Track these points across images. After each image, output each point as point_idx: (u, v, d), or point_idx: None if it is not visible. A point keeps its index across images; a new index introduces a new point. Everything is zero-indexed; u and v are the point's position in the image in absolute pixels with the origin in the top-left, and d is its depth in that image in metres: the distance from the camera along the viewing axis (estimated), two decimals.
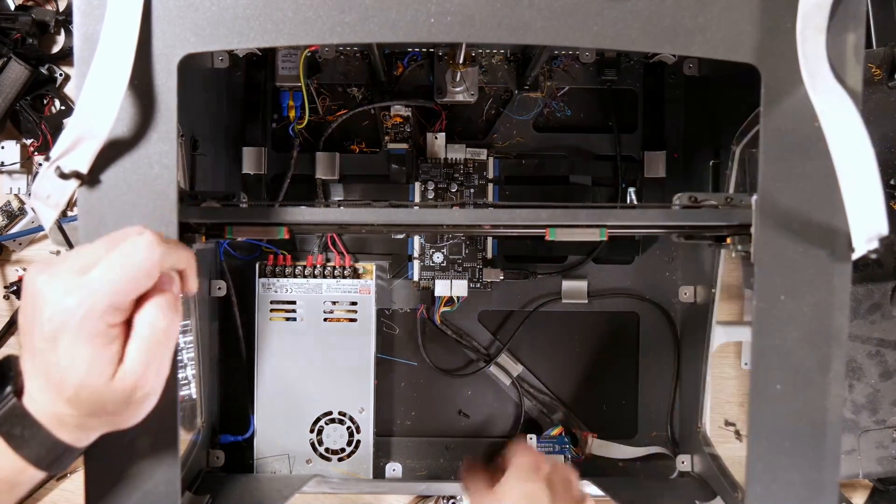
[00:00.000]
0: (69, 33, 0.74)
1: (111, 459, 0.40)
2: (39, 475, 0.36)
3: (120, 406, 0.36)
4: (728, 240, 0.49)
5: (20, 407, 0.35)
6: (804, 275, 0.41)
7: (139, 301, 0.36)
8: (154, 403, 0.37)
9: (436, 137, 0.69)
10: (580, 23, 0.40)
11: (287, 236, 0.49)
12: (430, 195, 0.69)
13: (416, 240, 0.70)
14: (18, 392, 0.36)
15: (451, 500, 0.73)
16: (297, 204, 0.47)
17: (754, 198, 0.41)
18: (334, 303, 0.68)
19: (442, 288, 0.69)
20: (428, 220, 0.48)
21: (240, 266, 0.70)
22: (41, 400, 0.35)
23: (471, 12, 0.40)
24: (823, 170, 0.40)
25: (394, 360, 0.72)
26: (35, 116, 0.73)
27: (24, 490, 0.37)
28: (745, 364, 0.74)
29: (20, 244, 0.75)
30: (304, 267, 0.68)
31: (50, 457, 0.36)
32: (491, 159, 0.70)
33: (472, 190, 0.70)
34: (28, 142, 0.74)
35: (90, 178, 0.40)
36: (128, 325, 0.35)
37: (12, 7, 0.73)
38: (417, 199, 0.69)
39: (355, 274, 0.68)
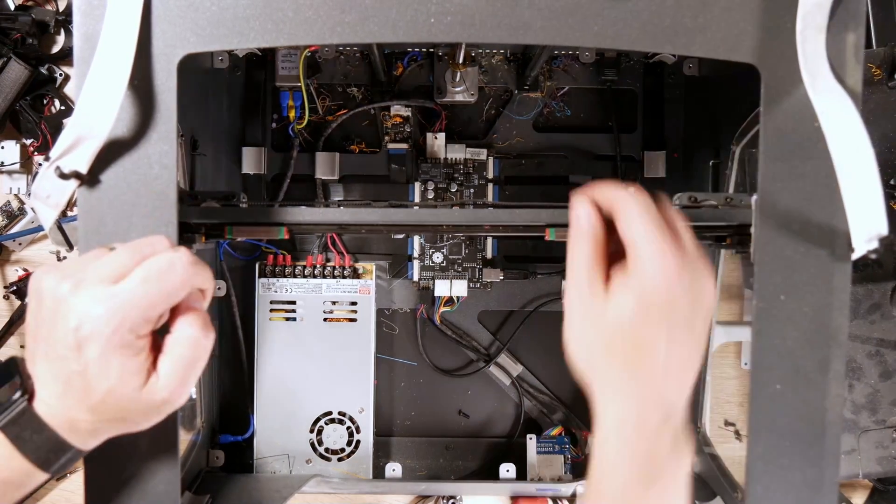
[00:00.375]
0: (69, 33, 0.74)
1: (111, 459, 0.40)
2: (44, 477, 0.36)
3: (143, 414, 0.36)
4: (728, 240, 0.49)
5: (31, 411, 0.35)
6: (804, 275, 0.41)
7: (167, 315, 0.36)
8: (172, 411, 0.37)
9: (436, 137, 0.69)
10: (580, 23, 0.40)
11: (287, 236, 0.49)
12: (430, 195, 0.69)
13: (416, 240, 0.70)
14: (29, 396, 0.36)
15: (451, 501, 0.73)
16: (297, 204, 0.48)
17: (754, 198, 0.41)
18: (334, 303, 0.68)
19: (442, 288, 0.69)
20: (428, 220, 0.48)
21: (240, 266, 0.70)
22: (55, 405, 0.35)
23: (471, 12, 0.40)
24: (823, 170, 0.40)
25: (394, 360, 0.72)
26: (35, 116, 0.73)
27: (28, 490, 0.37)
28: (745, 364, 0.74)
29: (20, 244, 0.75)
30: (304, 267, 0.68)
31: (57, 460, 0.36)
32: (491, 159, 0.70)
33: (472, 190, 0.70)
34: (28, 142, 0.74)
35: (90, 178, 0.40)
36: (153, 335, 0.36)
37: (12, 7, 0.73)
38: (417, 199, 0.69)
39: (355, 274, 0.68)
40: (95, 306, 0.33)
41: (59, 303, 0.34)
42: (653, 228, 0.35)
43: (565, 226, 0.48)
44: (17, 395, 0.35)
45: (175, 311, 0.36)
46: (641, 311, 0.34)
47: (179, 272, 0.35)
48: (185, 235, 0.46)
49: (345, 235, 0.70)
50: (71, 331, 0.33)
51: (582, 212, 0.37)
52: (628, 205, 0.36)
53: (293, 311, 0.68)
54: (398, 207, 0.50)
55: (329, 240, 0.70)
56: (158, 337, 0.36)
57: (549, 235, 0.49)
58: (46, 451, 0.35)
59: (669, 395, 0.35)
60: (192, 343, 0.36)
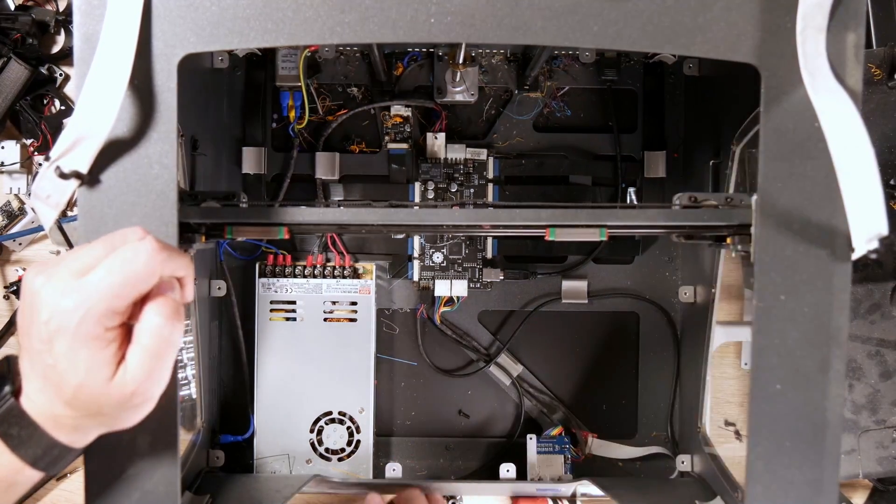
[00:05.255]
0: (69, 33, 0.74)
1: (111, 459, 0.40)
2: (37, 475, 0.36)
3: (117, 409, 0.36)
4: (728, 240, 0.49)
5: (17, 407, 0.35)
6: (804, 275, 0.41)
7: (140, 305, 0.36)
8: (152, 408, 0.37)
9: (436, 137, 0.69)
10: (580, 23, 0.40)
11: (287, 236, 0.49)
12: (430, 195, 0.69)
13: (416, 240, 0.70)
14: (16, 392, 0.36)
15: (451, 501, 0.73)
16: (296, 204, 0.47)
17: (754, 198, 0.41)
18: (334, 303, 0.68)
19: (442, 288, 0.69)
20: (428, 220, 0.48)
21: (240, 266, 0.70)
22: (38, 400, 0.35)
23: (471, 12, 0.40)
24: (823, 170, 0.40)
25: (394, 360, 0.72)
26: (35, 116, 0.73)
27: (23, 490, 0.37)
28: (745, 364, 0.74)
29: (20, 244, 0.75)
30: (304, 267, 0.68)
31: (47, 457, 0.36)
32: (491, 159, 0.70)
33: (472, 190, 0.70)
34: (28, 142, 0.74)
35: (90, 178, 0.40)
36: (126, 327, 0.35)
37: (12, 7, 0.73)
38: (417, 199, 0.69)
39: (355, 274, 0.68)
40: (63, 299, 0.33)
41: (34, 296, 0.34)
42: None
43: (566, 226, 0.48)
44: (6, 390, 0.35)
45: (145, 300, 0.36)
46: None
47: (143, 261, 0.34)
48: (186, 235, 0.46)
49: (345, 235, 0.70)
50: (43, 324, 0.33)
51: None
52: None
53: (293, 311, 0.68)
54: (398, 208, 0.50)
55: (329, 240, 0.70)
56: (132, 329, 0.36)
57: (550, 235, 0.49)
58: (35, 447, 0.35)
59: None
60: (157, 331, 0.35)
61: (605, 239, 0.49)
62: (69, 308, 0.33)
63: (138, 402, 0.36)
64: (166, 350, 0.36)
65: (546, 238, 0.49)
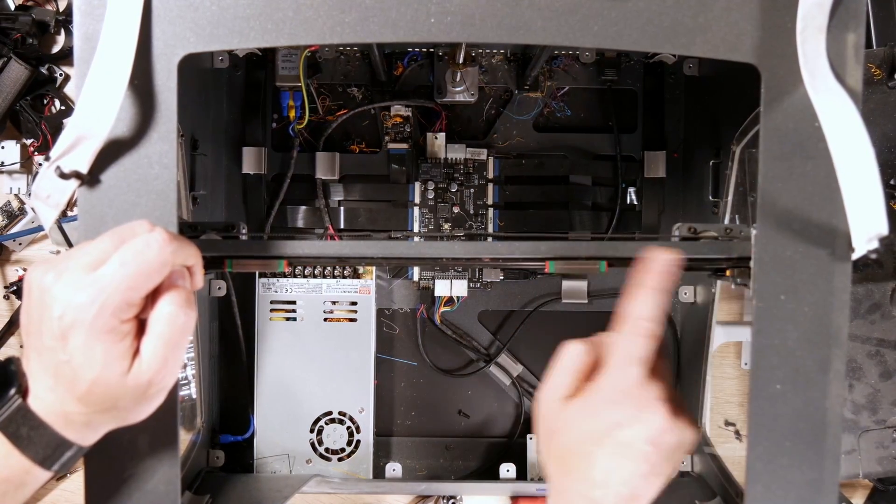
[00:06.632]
0: (69, 33, 0.74)
1: (111, 459, 0.40)
2: (46, 475, 0.36)
3: (132, 401, 0.36)
4: (728, 272, 0.49)
5: (25, 407, 0.35)
6: (804, 275, 0.41)
7: (152, 297, 0.36)
8: (164, 398, 0.37)
9: (436, 137, 0.69)
10: (580, 23, 0.40)
11: (287, 269, 0.48)
12: (431, 195, 0.69)
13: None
14: (23, 393, 0.36)
15: (451, 501, 0.73)
16: (296, 237, 0.46)
17: (753, 231, 0.41)
18: (334, 303, 0.68)
19: (442, 288, 0.69)
20: (427, 253, 0.47)
21: None
22: (48, 399, 0.35)
23: (471, 12, 0.40)
24: (823, 170, 0.40)
25: (394, 360, 0.72)
26: (35, 116, 0.73)
27: (31, 491, 0.37)
28: (745, 364, 0.74)
29: (20, 244, 0.75)
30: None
31: (56, 456, 0.36)
32: (491, 159, 0.70)
33: (472, 190, 0.70)
34: (28, 142, 0.74)
35: (90, 178, 0.40)
36: (137, 319, 0.36)
37: (12, 7, 0.73)
38: (417, 199, 0.69)
39: (355, 274, 0.68)
40: (77, 294, 0.33)
41: (44, 293, 0.34)
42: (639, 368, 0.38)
43: (565, 258, 0.47)
44: (13, 391, 0.35)
45: (158, 291, 0.36)
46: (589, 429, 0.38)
47: (156, 252, 0.34)
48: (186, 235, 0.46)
49: (345, 235, 0.70)
50: (55, 320, 0.33)
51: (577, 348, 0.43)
52: (631, 333, 0.39)
53: (293, 311, 0.68)
54: (397, 241, 0.49)
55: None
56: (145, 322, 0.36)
57: (549, 268, 0.48)
58: (44, 447, 0.35)
59: None
60: (171, 320, 0.35)
61: (604, 271, 0.48)
62: (84, 302, 0.33)
63: (153, 392, 0.36)
64: (181, 338, 0.36)
65: (546, 271, 0.48)
